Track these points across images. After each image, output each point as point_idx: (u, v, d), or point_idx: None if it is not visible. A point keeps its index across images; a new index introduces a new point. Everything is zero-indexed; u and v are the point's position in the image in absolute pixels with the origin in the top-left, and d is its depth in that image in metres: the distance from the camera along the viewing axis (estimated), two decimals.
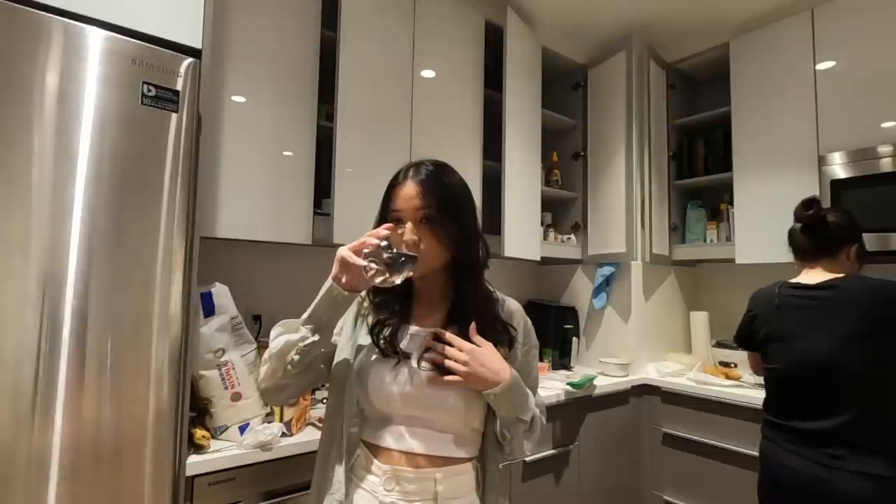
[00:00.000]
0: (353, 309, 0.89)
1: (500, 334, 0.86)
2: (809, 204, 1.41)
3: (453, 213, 0.82)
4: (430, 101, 1.87)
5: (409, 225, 0.80)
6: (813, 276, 1.39)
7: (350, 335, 0.88)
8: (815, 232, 1.41)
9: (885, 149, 1.75)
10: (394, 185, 0.85)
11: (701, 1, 2.19)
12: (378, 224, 0.84)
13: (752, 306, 1.51)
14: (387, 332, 0.84)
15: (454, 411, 0.81)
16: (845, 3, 1.91)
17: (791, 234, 1.48)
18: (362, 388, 0.82)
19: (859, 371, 1.23)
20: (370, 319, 0.86)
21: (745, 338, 1.51)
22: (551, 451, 1.86)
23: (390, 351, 0.82)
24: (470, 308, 0.85)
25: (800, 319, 1.34)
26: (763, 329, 1.43)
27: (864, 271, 1.42)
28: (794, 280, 1.43)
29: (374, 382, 0.81)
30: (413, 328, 0.87)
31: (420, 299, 0.90)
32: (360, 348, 0.86)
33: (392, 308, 0.86)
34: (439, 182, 0.83)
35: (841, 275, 1.35)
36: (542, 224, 2.34)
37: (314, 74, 1.59)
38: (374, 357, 0.83)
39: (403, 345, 0.84)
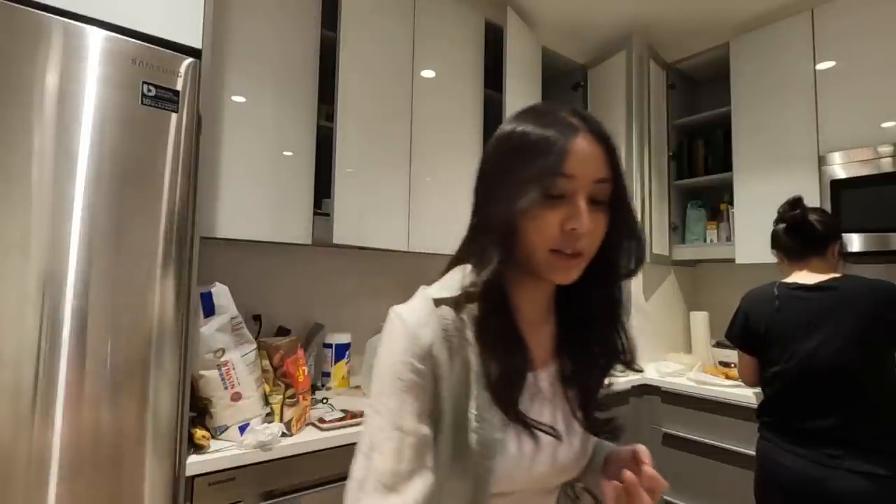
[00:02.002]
0: (435, 342, 0.53)
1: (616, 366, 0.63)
2: (795, 204, 1.43)
3: (625, 188, 0.56)
4: (430, 101, 1.87)
5: (582, 205, 0.51)
6: (807, 276, 1.40)
7: (456, 391, 0.53)
8: (801, 231, 1.42)
9: (885, 149, 1.75)
10: (555, 137, 0.51)
11: (701, 1, 2.19)
12: (513, 201, 0.51)
13: (746, 305, 1.51)
14: (522, 397, 0.54)
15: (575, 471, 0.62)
16: (845, 2, 1.90)
17: (776, 235, 1.49)
18: (483, 478, 0.52)
19: (860, 371, 1.23)
20: (475, 360, 0.53)
21: (741, 337, 1.51)
22: None
23: (533, 427, 0.54)
24: (602, 330, 0.61)
25: (801, 320, 1.34)
26: (762, 330, 1.43)
27: (861, 270, 1.43)
28: (789, 280, 1.43)
29: (504, 468, 0.53)
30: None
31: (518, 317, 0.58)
32: (467, 414, 0.52)
33: (506, 343, 0.54)
34: (615, 144, 0.55)
35: (838, 275, 1.35)
36: None
37: (314, 74, 1.59)
38: (494, 427, 0.52)
39: (535, 411, 0.56)
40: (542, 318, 0.62)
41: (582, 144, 0.52)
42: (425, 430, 0.52)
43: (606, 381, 0.63)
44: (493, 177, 0.57)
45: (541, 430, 0.54)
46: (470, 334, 0.54)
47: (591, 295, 0.60)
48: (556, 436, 0.55)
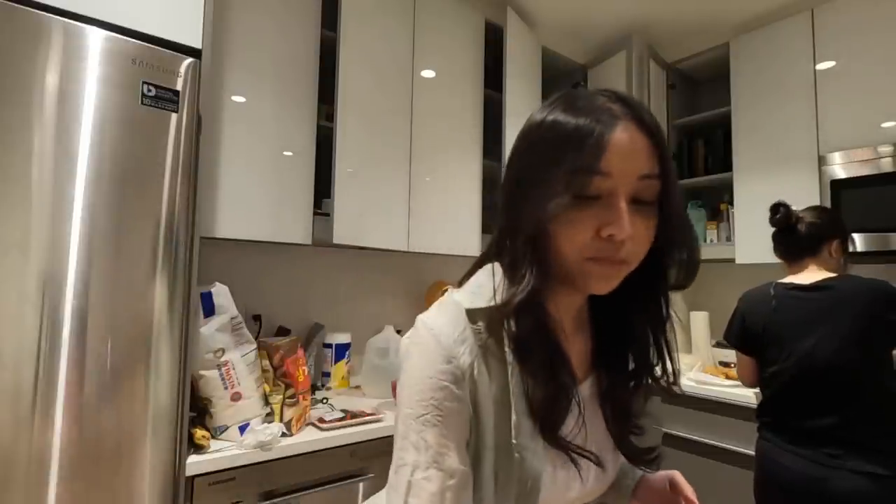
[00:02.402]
0: (465, 355, 0.48)
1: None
2: (776, 208, 1.46)
3: (676, 185, 0.48)
4: (430, 101, 1.87)
5: (623, 206, 0.44)
6: (804, 275, 1.40)
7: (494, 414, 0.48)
8: (789, 233, 1.44)
9: (885, 149, 1.75)
10: (589, 128, 0.44)
11: (701, 1, 2.19)
12: (537, 200, 0.46)
13: (743, 306, 1.51)
14: (566, 420, 0.50)
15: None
16: (845, 2, 1.90)
17: (773, 237, 1.51)
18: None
19: (858, 371, 1.24)
20: (514, 382, 0.48)
21: (739, 338, 1.51)
22: None
23: (577, 454, 0.50)
24: (642, 345, 0.55)
25: (799, 320, 1.34)
26: (759, 330, 1.43)
27: (862, 270, 1.43)
28: (786, 280, 1.43)
29: (544, 496, 0.49)
30: None
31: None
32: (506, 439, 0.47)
33: (550, 364, 0.49)
34: (662, 133, 0.48)
35: (834, 274, 1.35)
36: None
37: (314, 74, 1.59)
38: (537, 457, 0.48)
39: (573, 433, 0.51)
40: (578, 328, 0.57)
41: (622, 135, 0.44)
42: (466, 466, 0.47)
43: (644, 401, 0.58)
44: (520, 173, 0.50)
45: (584, 456, 0.50)
46: (509, 352, 0.48)
47: (632, 308, 0.54)
48: (598, 463, 0.51)
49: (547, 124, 0.48)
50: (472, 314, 0.49)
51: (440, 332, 0.47)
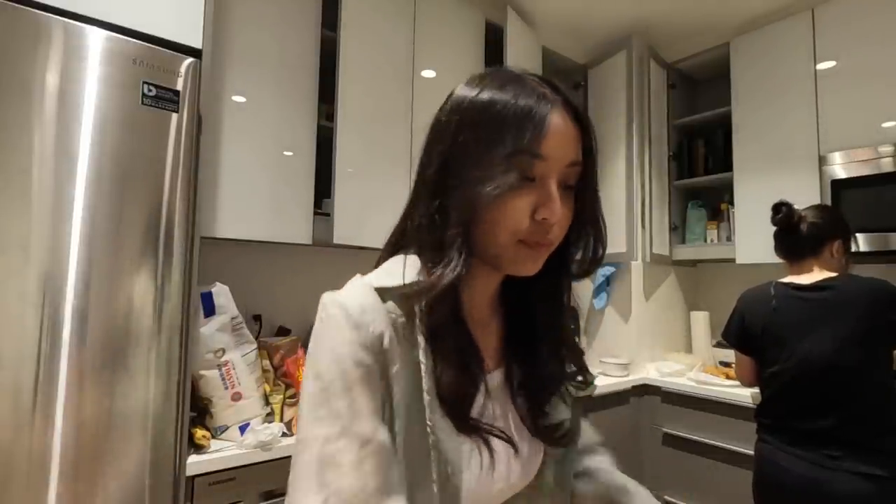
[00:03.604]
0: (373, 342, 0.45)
1: (570, 380, 0.57)
2: (778, 208, 1.45)
3: (596, 174, 0.51)
4: (430, 101, 1.87)
5: (554, 190, 0.45)
6: (804, 275, 1.40)
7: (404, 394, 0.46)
8: (790, 233, 1.43)
9: (885, 149, 1.75)
10: (529, 110, 0.44)
11: (701, 1, 2.19)
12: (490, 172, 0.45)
13: (742, 306, 1.51)
14: (477, 402, 0.49)
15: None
16: (846, 2, 1.90)
17: (774, 237, 1.51)
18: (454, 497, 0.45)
19: (858, 371, 1.23)
20: (426, 362, 0.46)
21: (738, 338, 1.51)
22: None
23: (487, 433, 0.48)
24: (550, 336, 0.55)
25: (799, 321, 1.34)
26: (759, 330, 1.43)
27: (862, 270, 1.42)
28: (786, 280, 1.43)
29: (469, 484, 0.47)
30: None
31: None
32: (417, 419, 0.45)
33: (462, 351, 0.49)
34: (590, 121, 0.50)
35: (834, 274, 1.35)
36: None
37: (314, 74, 1.59)
38: (452, 439, 0.46)
39: (486, 417, 0.50)
40: (490, 314, 0.56)
41: (558, 120, 0.45)
42: (385, 435, 0.43)
43: (559, 387, 0.56)
44: (452, 154, 0.47)
45: (495, 435, 0.48)
46: (420, 333, 0.46)
47: (536, 293, 0.54)
48: (510, 442, 0.49)
49: (482, 102, 0.46)
50: (382, 293, 0.47)
51: (347, 304, 0.46)
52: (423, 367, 0.46)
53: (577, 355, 0.57)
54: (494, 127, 0.45)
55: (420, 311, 0.47)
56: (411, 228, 0.52)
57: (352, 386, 0.43)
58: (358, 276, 0.52)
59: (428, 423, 0.44)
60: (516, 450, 0.50)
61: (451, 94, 0.51)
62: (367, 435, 0.42)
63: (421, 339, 0.46)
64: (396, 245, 0.55)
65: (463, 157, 0.46)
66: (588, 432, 0.69)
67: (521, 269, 0.48)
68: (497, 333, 0.56)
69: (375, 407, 0.43)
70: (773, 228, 1.50)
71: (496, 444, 0.48)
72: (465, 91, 0.49)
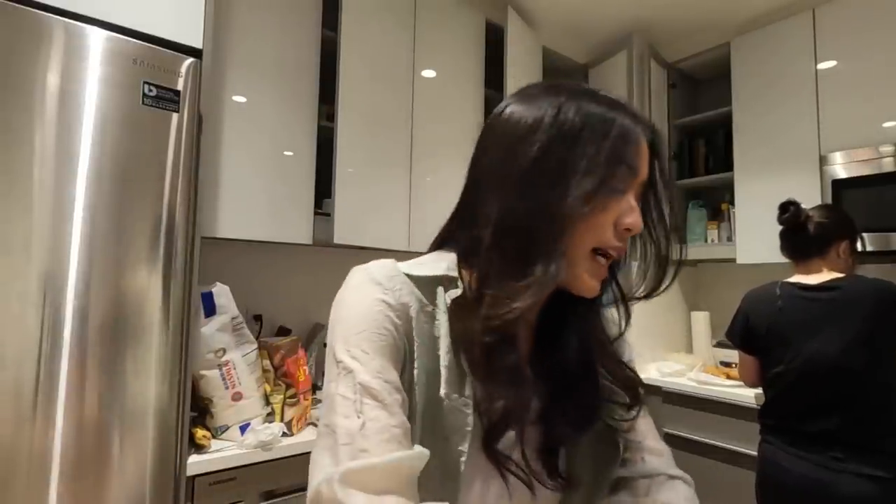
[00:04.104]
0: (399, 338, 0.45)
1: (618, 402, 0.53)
2: (786, 207, 1.44)
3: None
4: (430, 101, 1.87)
5: (633, 200, 0.47)
6: (811, 275, 1.39)
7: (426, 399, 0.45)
8: (797, 232, 1.42)
9: (886, 148, 1.75)
10: (628, 126, 0.46)
11: (702, 0, 2.19)
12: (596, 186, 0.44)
13: (746, 306, 1.50)
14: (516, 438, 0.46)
15: None
16: (847, 2, 1.90)
17: (780, 236, 1.49)
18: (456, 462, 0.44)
19: (864, 373, 1.23)
20: (445, 357, 0.45)
21: (742, 337, 1.50)
22: None
23: (506, 471, 0.45)
24: (590, 358, 0.52)
25: (804, 321, 1.33)
26: (763, 330, 1.42)
27: (864, 270, 1.42)
28: (792, 280, 1.43)
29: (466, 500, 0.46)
30: None
31: None
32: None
33: (514, 377, 0.46)
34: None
35: (841, 275, 1.34)
36: None
37: (315, 74, 1.59)
38: (465, 460, 0.44)
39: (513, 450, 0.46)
40: (527, 335, 0.52)
41: (643, 139, 0.47)
42: (397, 397, 0.42)
43: (585, 427, 0.51)
44: (546, 160, 0.45)
45: (512, 472, 0.45)
46: (442, 323, 0.46)
47: (570, 315, 0.52)
48: (529, 486, 0.46)
49: (580, 114, 0.46)
50: (413, 278, 0.47)
51: (375, 272, 0.46)
52: (443, 371, 0.44)
53: (625, 377, 0.52)
54: (597, 139, 0.45)
55: (441, 297, 0.47)
56: (464, 232, 0.50)
57: (375, 342, 0.43)
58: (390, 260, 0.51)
59: (444, 399, 0.44)
60: (532, 492, 0.47)
61: (510, 103, 0.50)
62: (395, 382, 0.42)
63: (442, 327, 0.46)
64: (439, 246, 0.54)
65: (557, 165, 0.45)
66: (657, 460, 0.58)
67: (587, 285, 0.47)
68: (527, 355, 0.52)
69: (395, 368, 0.43)
70: (774, 228, 1.49)
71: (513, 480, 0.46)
72: (554, 103, 0.47)
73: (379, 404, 0.40)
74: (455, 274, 0.48)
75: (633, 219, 0.46)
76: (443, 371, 0.45)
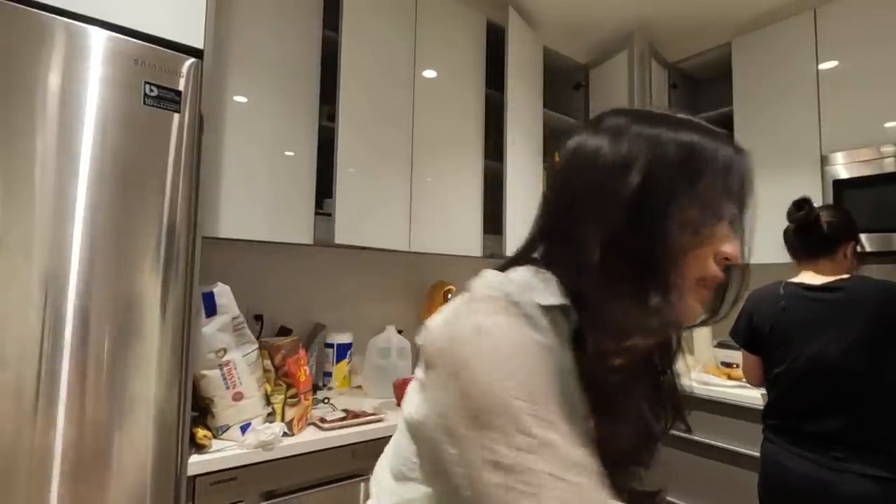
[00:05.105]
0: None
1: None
2: (801, 204, 1.41)
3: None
4: (431, 101, 1.87)
5: (733, 232, 0.48)
6: (815, 276, 1.39)
7: None
8: (809, 232, 1.40)
9: (887, 149, 1.75)
10: (731, 156, 0.47)
11: (703, 0, 2.18)
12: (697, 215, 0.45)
13: (750, 305, 1.50)
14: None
15: None
16: (848, 2, 1.90)
17: (786, 234, 1.48)
18: None
19: (868, 373, 1.23)
20: (577, 395, 0.43)
21: (745, 337, 1.50)
22: None
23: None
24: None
25: (808, 321, 1.33)
26: (766, 330, 1.42)
27: (865, 270, 1.42)
28: (796, 280, 1.42)
29: None
30: None
31: None
32: None
33: (639, 393, 0.48)
34: None
35: (845, 276, 1.34)
36: None
37: (316, 75, 1.59)
38: None
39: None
40: None
41: (740, 167, 0.48)
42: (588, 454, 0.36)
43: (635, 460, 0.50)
44: (656, 190, 0.44)
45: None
46: (567, 357, 0.43)
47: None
48: None
49: (680, 145, 0.46)
50: (543, 308, 0.43)
51: (519, 299, 0.41)
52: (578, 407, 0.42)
53: (670, 400, 0.51)
54: (697, 171, 0.45)
55: (608, 362, 0.43)
56: (561, 257, 0.48)
57: (556, 395, 0.38)
58: (506, 276, 0.46)
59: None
60: None
61: (591, 134, 0.49)
62: (590, 464, 0.36)
63: (572, 380, 0.43)
64: (524, 260, 0.50)
65: (659, 199, 0.44)
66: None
67: (699, 309, 0.47)
68: None
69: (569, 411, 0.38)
70: (775, 228, 1.49)
71: None
72: (642, 131, 0.47)
73: (592, 480, 0.35)
74: (568, 302, 0.45)
75: (734, 249, 0.46)
76: (577, 408, 0.42)
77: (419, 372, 0.45)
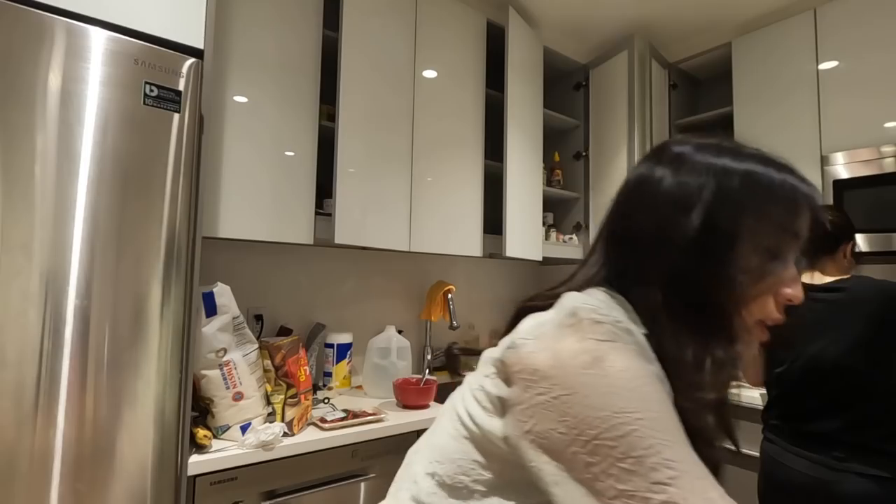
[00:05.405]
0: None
1: None
2: None
3: None
4: (431, 101, 1.87)
5: (796, 272, 0.47)
6: (816, 276, 1.39)
7: None
8: (812, 232, 1.41)
9: (888, 149, 1.75)
10: (795, 188, 0.45)
11: (703, 1, 2.18)
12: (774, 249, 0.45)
13: None
14: None
15: None
16: (848, 2, 1.90)
17: None
18: None
19: (868, 373, 1.23)
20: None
21: None
22: None
23: None
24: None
25: (810, 321, 1.33)
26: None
27: (865, 270, 1.42)
28: None
29: None
30: None
31: None
32: None
33: (712, 421, 0.48)
34: None
35: (846, 276, 1.34)
36: (544, 224, 2.33)
37: (316, 75, 1.60)
38: None
39: None
40: None
41: (807, 203, 0.45)
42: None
43: None
44: (703, 232, 0.43)
45: None
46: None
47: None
48: None
49: (746, 179, 0.44)
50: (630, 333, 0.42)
51: (636, 334, 0.41)
52: None
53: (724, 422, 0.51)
54: (764, 207, 0.43)
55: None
56: (633, 289, 0.46)
57: (677, 425, 0.37)
58: (595, 302, 0.44)
59: None
60: None
61: (654, 164, 0.48)
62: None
63: None
64: (594, 283, 0.49)
65: (723, 237, 0.43)
66: None
67: (753, 352, 0.47)
68: None
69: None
70: None
71: None
72: (707, 163, 0.45)
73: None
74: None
75: (797, 291, 0.44)
76: None
77: (493, 385, 0.44)
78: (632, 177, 0.50)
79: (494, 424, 0.43)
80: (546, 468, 0.38)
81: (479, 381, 0.47)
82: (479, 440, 0.44)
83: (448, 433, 0.48)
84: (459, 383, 0.57)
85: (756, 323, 0.45)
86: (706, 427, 0.43)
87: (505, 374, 0.43)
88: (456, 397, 0.51)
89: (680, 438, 0.37)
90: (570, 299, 0.44)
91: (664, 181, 0.46)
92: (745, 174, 0.44)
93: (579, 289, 0.48)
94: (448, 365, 2.22)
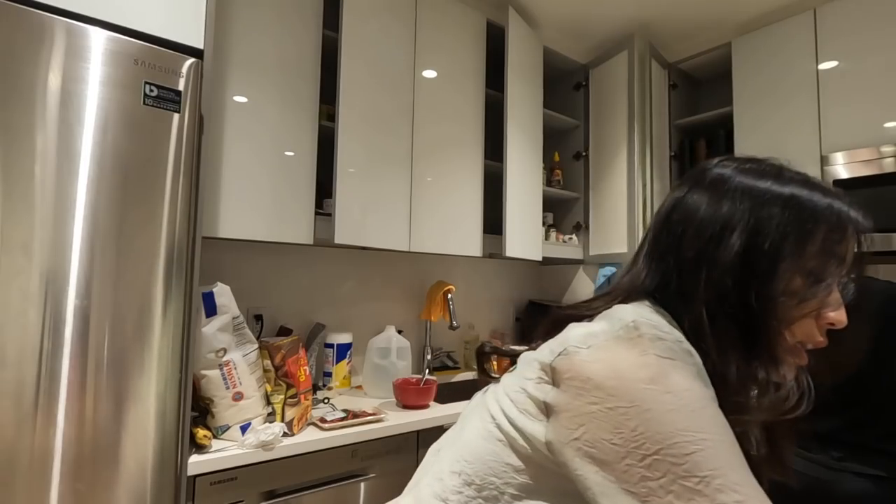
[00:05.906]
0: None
1: None
2: None
3: None
4: (431, 102, 1.87)
5: (840, 296, 0.47)
6: None
7: None
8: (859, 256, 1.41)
9: (887, 149, 1.75)
10: (841, 213, 0.45)
11: (703, 0, 2.18)
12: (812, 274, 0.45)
13: None
14: None
15: None
16: (848, 2, 1.90)
17: None
18: None
19: (868, 372, 1.23)
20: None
21: None
22: None
23: None
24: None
25: None
26: None
27: (864, 270, 1.42)
28: None
29: None
30: None
31: None
32: None
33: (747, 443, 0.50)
34: None
35: None
36: (544, 224, 2.33)
37: (316, 75, 1.60)
38: None
39: None
40: None
41: (852, 227, 0.45)
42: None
43: None
44: (746, 256, 0.43)
45: None
46: None
47: None
48: None
49: (791, 204, 0.44)
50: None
51: (694, 353, 0.42)
52: None
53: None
54: (809, 232, 0.43)
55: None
56: (682, 306, 0.46)
57: (734, 444, 0.38)
58: (645, 319, 0.45)
59: None
60: None
61: (692, 188, 0.49)
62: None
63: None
64: (635, 295, 0.50)
65: (766, 260, 0.43)
66: None
67: (793, 372, 0.48)
68: None
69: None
70: None
71: None
72: (749, 187, 0.46)
73: None
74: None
75: (840, 315, 0.44)
76: None
77: (538, 389, 0.44)
78: (671, 199, 0.51)
79: (537, 429, 0.43)
80: (593, 478, 0.38)
81: (519, 384, 0.46)
82: (516, 443, 0.44)
83: (479, 433, 0.47)
84: (488, 382, 0.57)
85: (797, 345, 0.45)
86: (747, 452, 0.43)
87: (554, 379, 0.43)
88: (489, 397, 0.50)
89: (743, 464, 0.37)
90: (625, 312, 0.44)
91: (708, 202, 0.47)
92: (789, 198, 0.44)
93: (624, 301, 0.49)
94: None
